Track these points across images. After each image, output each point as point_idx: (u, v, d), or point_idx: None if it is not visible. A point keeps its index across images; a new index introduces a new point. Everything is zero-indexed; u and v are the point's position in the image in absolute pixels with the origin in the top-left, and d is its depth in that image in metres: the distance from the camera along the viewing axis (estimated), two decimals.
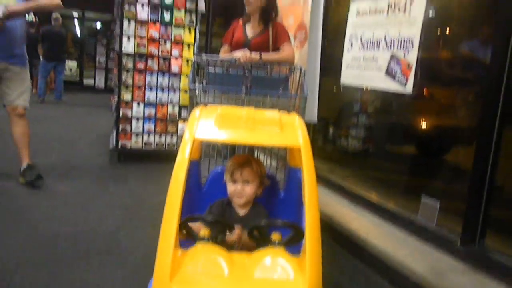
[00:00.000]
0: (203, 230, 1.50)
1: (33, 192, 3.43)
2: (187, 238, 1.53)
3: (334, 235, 2.90)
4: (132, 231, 2.86)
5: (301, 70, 2.30)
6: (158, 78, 4.56)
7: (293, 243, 1.47)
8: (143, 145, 4.63)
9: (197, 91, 1.98)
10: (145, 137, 4.63)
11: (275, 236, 1.48)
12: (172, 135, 4.70)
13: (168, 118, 4.67)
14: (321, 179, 3.75)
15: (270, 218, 1.81)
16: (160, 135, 4.67)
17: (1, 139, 5.17)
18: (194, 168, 2.10)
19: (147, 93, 4.55)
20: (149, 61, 4.51)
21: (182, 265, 1.34)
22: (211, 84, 2.33)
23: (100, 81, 13.13)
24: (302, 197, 1.77)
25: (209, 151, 2.58)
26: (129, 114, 4.53)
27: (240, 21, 3.16)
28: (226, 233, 1.59)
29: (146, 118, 4.60)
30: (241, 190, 1.76)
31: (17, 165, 3.82)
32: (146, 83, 4.53)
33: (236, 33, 3.12)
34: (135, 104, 4.53)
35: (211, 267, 1.33)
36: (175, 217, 1.37)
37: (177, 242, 1.39)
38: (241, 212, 1.81)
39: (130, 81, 4.48)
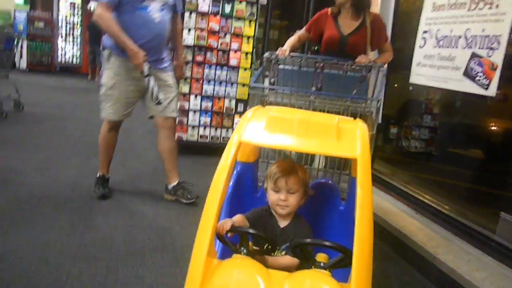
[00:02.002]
0: (242, 241, 1.39)
1: (88, 187, 3.49)
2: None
3: (397, 247, 2.71)
4: (187, 227, 2.82)
5: (379, 69, 2.10)
6: (216, 71, 4.50)
7: (341, 267, 1.31)
8: (199, 138, 4.61)
9: (265, 91, 1.87)
10: (201, 130, 4.60)
11: (321, 257, 1.34)
12: (227, 129, 4.64)
13: (224, 112, 4.62)
14: (382, 183, 3.53)
15: (316, 237, 1.64)
16: (216, 129, 4.63)
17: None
18: (249, 170, 1.99)
19: (205, 86, 4.51)
20: (208, 54, 4.45)
21: (215, 276, 1.25)
22: (282, 82, 2.19)
23: None
24: None
25: (266, 153, 2.45)
26: (186, 106, 4.52)
27: (329, 12, 2.80)
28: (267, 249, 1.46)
29: (202, 111, 4.57)
30: (284, 200, 1.61)
31: (79, 167, 3.92)
32: (204, 76, 4.49)
33: (328, 28, 2.78)
34: (192, 97, 4.51)
35: (245, 282, 1.24)
36: (211, 224, 1.28)
37: (213, 250, 1.32)
38: (282, 223, 1.66)
39: (188, 74, 4.46)
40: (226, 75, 4.52)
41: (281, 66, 2.29)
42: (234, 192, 1.82)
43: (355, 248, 1.20)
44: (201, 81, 4.50)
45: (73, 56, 11.98)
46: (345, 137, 1.40)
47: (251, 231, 1.41)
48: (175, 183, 3.25)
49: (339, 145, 1.38)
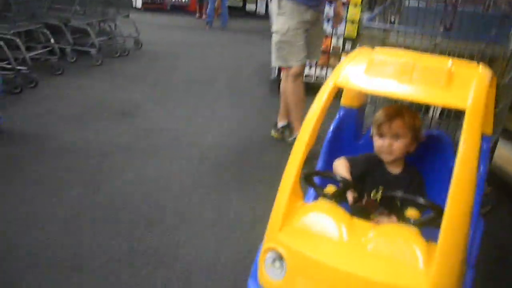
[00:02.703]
0: (329, 187, 1.38)
1: (201, 122, 3.75)
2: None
3: None
4: None
5: None
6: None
7: (433, 226, 1.20)
8: (304, 78, 4.58)
9: (380, 31, 1.76)
10: (306, 69, 4.55)
11: (411, 213, 1.25)
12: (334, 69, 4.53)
13: (331, 50, 4.49)
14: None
15: (417, 187, 1.54)
16: (322, 68, 4.56)
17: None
18: (352, 116, 1.90)
19: None
20: None
21: (296, 217, 1.28)
22: (405, 21, 2.02)
23: (261, 7, 13.26)
24: (479, 171, 1.48)
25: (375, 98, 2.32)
26: None
27: None
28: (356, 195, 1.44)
29: None
30: (388, 146, 1.54)
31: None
32: None
33: None
34: None
35: (324, 227, 1.23)
36: (296, 167, 1.31)
37: (298, 192, 1.34)
38: (394, 170, 1.60)
39: None
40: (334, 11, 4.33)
41: (406, 3, 2.09)
42: (334, 137, 1.80)
43: (447, 206, 1.12)
44: None
45: None
46: (457, 84, 1.26)
47: (338, 177, 1.41)
48: (285, 123, 3.32)
49: (447, 93, 1.24)
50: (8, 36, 4.00)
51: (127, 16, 6.10)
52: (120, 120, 3.55)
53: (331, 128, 1.81)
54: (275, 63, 3.08)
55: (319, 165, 1.70)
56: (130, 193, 2.44)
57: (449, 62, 1.33)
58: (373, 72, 1.32)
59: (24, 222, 2.10)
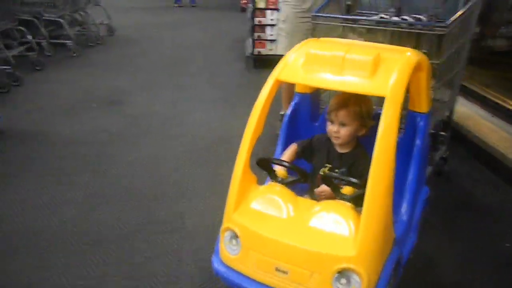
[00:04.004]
0: (279, 171, 1.54)
1: (185, 102, 3.99)
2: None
3: (471, 148, 2.90)
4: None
5: None
6: None
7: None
8: (277, 52, 4.81)
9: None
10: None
11: (346, 190, 1.40)
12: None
13: None
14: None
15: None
16: None
17: None
18: (307, 101, 1.99)
19: None
20: None
21: (250, 199, 1.45)
22: (365, 6, 2.16)
23: None
24: (416, 145, 1.67)
25: None
26: (263, 21, 4.69)
27: None
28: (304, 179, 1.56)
29: None
30: (336, 132, 1.66)
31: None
32: None
33: None
34: (268, 12, 4.65)
35: (273, 207, 1.40)
36: (245, 154, 1.46)
37: (250, 176, 1.48)
38: (341, 150, 1.73)
39: None
40: None
41: None
42: (290, 122, 1.91)
43: (368, 182, 1.26)
44: None
45: None
46: (380, 73, 1.36)
47: (284, 163, 1.55)
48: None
49: (370, 83, 1.35)
50: None
51: (98, 3, 6.15)
52: (109, 109, 3.76)
53: (287, 113, 1.93)
54: (280, 51, 2.95)
55: (277, 148, 1.84)
56: (133, 173, 2.71)
57: (377, 52, 1.40)
58: (309, 66, 1.44)
59: (41, 210, 2.34)
